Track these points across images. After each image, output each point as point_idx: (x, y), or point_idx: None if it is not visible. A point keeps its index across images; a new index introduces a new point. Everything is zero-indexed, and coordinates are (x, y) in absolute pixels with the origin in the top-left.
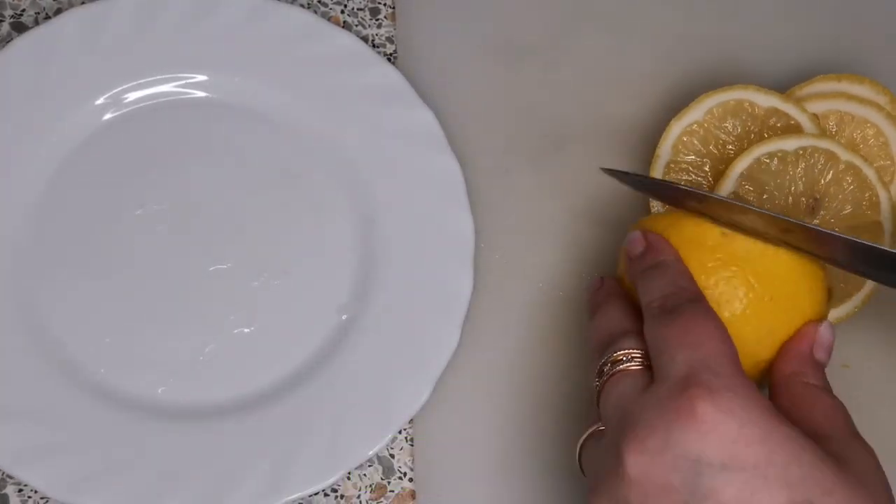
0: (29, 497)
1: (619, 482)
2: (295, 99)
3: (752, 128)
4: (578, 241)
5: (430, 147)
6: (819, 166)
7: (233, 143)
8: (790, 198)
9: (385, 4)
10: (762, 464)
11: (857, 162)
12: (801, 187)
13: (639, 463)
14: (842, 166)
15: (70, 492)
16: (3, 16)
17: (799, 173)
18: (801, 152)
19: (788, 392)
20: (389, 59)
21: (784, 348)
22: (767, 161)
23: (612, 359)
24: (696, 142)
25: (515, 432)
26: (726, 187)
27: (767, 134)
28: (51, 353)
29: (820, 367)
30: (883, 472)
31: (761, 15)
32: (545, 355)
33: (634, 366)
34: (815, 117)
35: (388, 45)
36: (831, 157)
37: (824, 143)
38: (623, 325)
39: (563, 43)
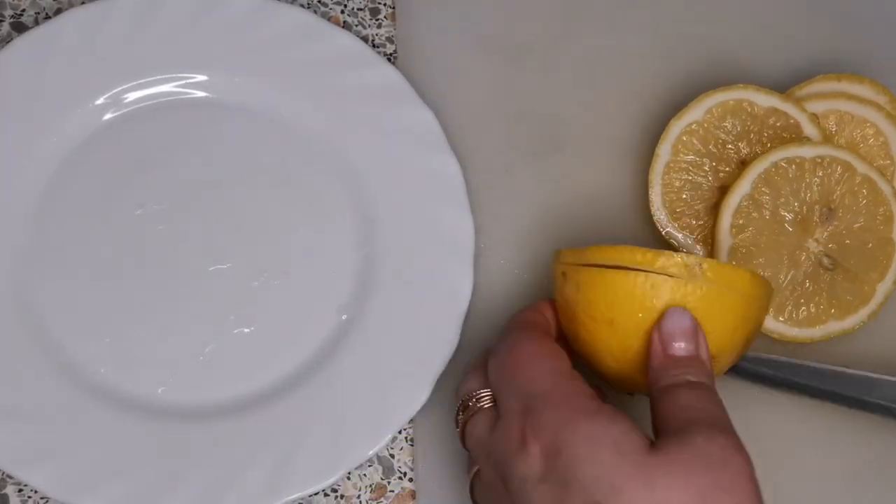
0: (29, 497)
1: None
2: (295, 99)
3: (751, 127)
4: (578, 241)
5: (430, 147)
6: (836, 176)
7: (233, 143)
8: (804, 206)
9: (385, 4)
10: (564, 470)
11: (874, 176)
12: (816, 195)
13: (510, 494)
14: (858, 179)
15: (70, 492)
16: (3, 16)
17: (815, 181)
18: (818, 160)
19: (655, 405)
20: (389, 59)
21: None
22: (785, 166)
23: (461, 405)
24: (695, 141)
25: None
26: (742, 189)
27: (767, 133)
28: (51, 353)
29: (676, 361)
30: (734, 454)
31: (761, 15)
32: None
33: (484, 404)
34: (814, 117)
35: (388, 45)
36: (848, 168)
37: (842, 154)
38: (473, 365)
39: (563, 43)
